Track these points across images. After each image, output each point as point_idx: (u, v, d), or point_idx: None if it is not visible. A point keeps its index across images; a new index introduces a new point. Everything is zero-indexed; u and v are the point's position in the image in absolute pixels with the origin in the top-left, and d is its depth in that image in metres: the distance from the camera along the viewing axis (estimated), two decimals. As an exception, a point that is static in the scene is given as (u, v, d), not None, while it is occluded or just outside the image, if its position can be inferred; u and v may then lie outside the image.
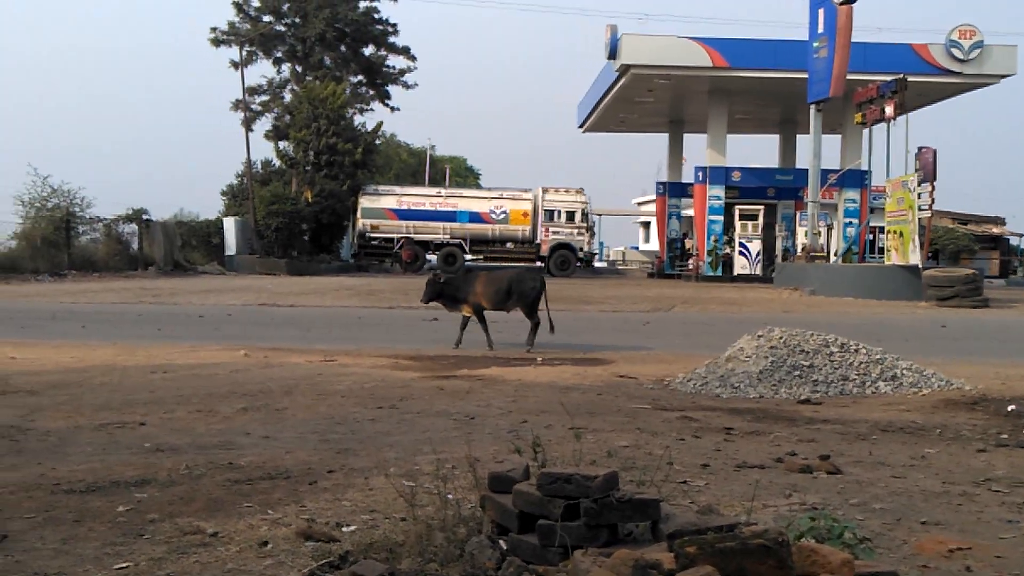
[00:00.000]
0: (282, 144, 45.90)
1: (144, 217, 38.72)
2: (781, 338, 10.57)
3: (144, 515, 4.84)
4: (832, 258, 33.66)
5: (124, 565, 4.07)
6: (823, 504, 5.07)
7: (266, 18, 49.58)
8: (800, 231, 38.69)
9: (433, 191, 44.76)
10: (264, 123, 49.67)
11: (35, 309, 19.46)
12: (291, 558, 4.15)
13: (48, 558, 4.17)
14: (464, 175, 77.15)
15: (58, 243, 35.29)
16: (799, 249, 35.92)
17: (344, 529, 4.59)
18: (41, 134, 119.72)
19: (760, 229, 38.16)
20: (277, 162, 46.41)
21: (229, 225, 40.93)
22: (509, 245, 42.17)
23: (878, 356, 10.43)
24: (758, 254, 37.93)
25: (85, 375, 10.19)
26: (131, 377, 10.12)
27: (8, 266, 32.42)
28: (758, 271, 37.47)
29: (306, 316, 16.42)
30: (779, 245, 39.52)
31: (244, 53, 46.59)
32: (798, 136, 42.58)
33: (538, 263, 41.82)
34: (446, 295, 14.07)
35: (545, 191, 42.07)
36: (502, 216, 41.77)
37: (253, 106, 49.24)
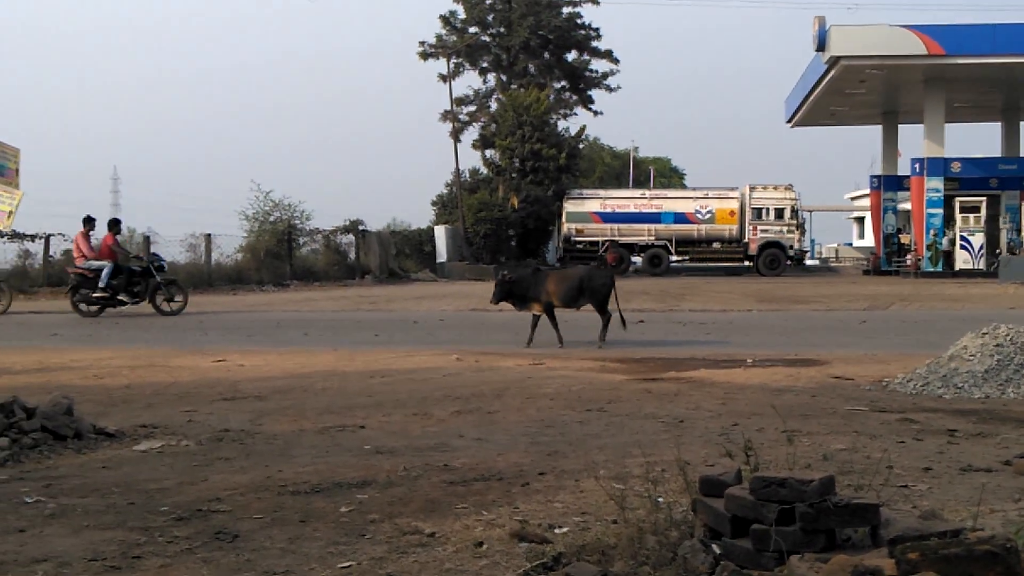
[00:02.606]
0: (488, 152, 46.84)
1: (360, 228, 40.13)
2: (1008, 335, 10.03)
3: (365, 515, 5.01)
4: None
5: (347, 564, 4.23)
6: (1056, 510, 4.79)
7: (472, 29, 50.67)
8: (1026, 222, 36.66)
9: (637, 193, 44.66)
10: (471, 132, 50.87)
11: (261, 318, 20.45)
12: (506, 559, 4.23)
13: (276, 557, 4.38)
14: (668, 176, 76.64)
15: (280, 255, 36.96)
16: (1025, 241, 34.00)
17: (556, 531, 4.64)
18: (261, 152, 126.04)
19: (983, 222, 36.32)
20: (484, 170, 47.33)
21: (440, 233, 41.99)
22: (716, 245, 41.63)
23: (1117, 352, 9.76)
24: (981, 248, 36.11)
25: (308, 380, 10.64)
26: (351, 382, 10.50)
27: (235, 278, 34.21)
28: (981, 266, 35.67)
29: (514, 320, 16.66)
30: (1003, 238, 37.47)
31: (451, 65, 47.72)
32: (1022, 123, 40.33)
33: (746, 263, 41.08)
34: (515, 295, 14.24)
35: (752, 189, 41.32)
36: (708, 216, 41.26)
37: (461, 116, 50.44)
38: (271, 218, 38.02)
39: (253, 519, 4.98)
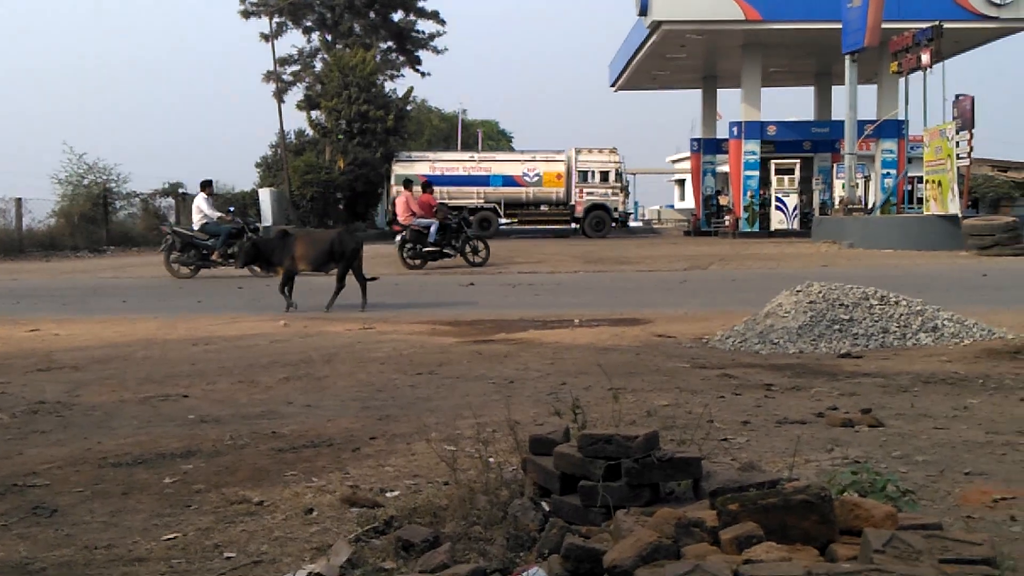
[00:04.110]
0: (314, 114, 45.97)
1: (180, 191, 38.97)
2: (820, 292, 10.50)
3: (190, 486, 4.90)
4: (870, 210, 33.34)
5: (172, 536, 4.13)
6: (865, 458, 5.05)
7: (294, -13, 49.53)
8: (837, 184, 38.30)
9: (466, 156, 44.65)
10: (296, 93, 49.83)
11: (76, 285, 19.68)
12: (336, 524, 4.20)
13: (97, 531, 4.23)
14: (497, 139, 76.96)
15: (96, 219, 35.63)
16: (837, 202, 35.57)
17: (388, 495, 4.63)
18: (74, 112, 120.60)
19: (797, 183, 37.80)
20: (310, 132, 46.48)
21: (264, 196, 41.08)
22: (543, 208, 42.04)
23: (919, 307, 10.33)
24: (795, 208, 37.59)
25: (128, 349, 10.31)
26: (173, 350, 10.23)
27: (48, 243, 32.82)
28: (796, 225, 37.16)
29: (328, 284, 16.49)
30: (816, 198, 39.13)
31: (274, 24, 46.61)
32: (834, 88, 42.10)
33: (573, 225, 41.67)
34: (262, 258, 14.24)
35: (578, 152, 41.85)
36: (536, 179, 41.62)
37: (284, 76, 49.35)
38: (85, 181, 36.51)
39: (72, 493, 4.81)
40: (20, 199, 33.33)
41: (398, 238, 22.72)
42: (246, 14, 48.41)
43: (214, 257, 19.91)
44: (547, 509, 3.84)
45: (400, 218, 22.46)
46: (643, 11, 35.22)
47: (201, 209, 20.39)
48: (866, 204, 34.99)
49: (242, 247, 14.52)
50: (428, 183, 23.95)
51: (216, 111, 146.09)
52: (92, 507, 4.58)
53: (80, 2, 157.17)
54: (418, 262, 22.16)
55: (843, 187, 34.24)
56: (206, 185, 21.42)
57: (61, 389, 7.90)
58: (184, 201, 38.39)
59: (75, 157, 36.48)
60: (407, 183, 23.67)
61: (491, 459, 4.61)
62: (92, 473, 5.19)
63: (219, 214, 20.43)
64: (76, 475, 5.15)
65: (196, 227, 20.35)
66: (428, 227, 21.94)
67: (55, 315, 13.81)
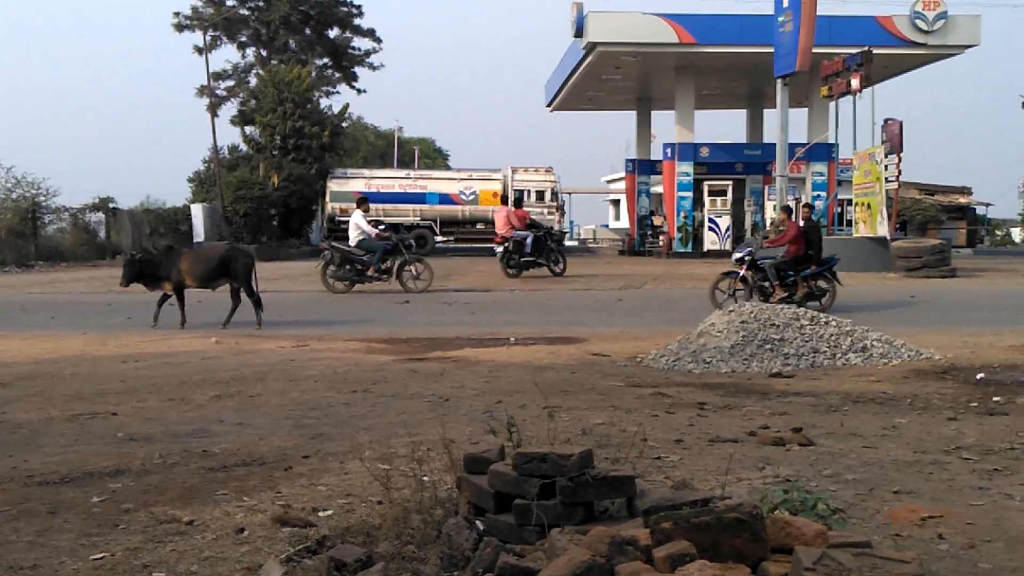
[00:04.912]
0: (248, 129, 45.58)
1: (111, 205, 38.38)
2: (752, 312, 10.64)
3: (119, 505, 4.82)
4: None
5: (100, 556, 4.06)
6: (796, 476, 5.11)
7: (229, 2, 49.15)
8: (769, 205, 38.78)
9: (402, 173, 44.56)
10: (230, 108, 49.40)
11: (3, 301, 19.27)
12: (268, 544, 4.16)
13: (23, 551, 4.15)
14: (433, 157, 76.89)
15: (24, 233, 34.95)
16: (768, 224, 36.01)
17: (320, 514, 4.59)
18: (2, 125, 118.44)
19: (729, 204, 38.22)
20: (244, 147, 46.07)
21: (197, 212, 40.59)
22: (480, 226, 42.06)
23: (848, 328, 10.51)
24: (728, 229, 37.98)
25: (56, 366, 10.12)
26: (102, 367, 10.06)
27: (-27, 258, 32.12)
28: (728, 246, 37.54)
29: (277, 302, 16.33)
30: (748, 220, 39.60)
31: (208, 38, 46.17)
32: (765, 111, 42.62)
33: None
34: (147, 274, 14.13)
35: (514, 171, 41.96)
36: (472, 197, 41.65)
37: (218, 91, 48.91)
38: (13, 195, 35.80)
39: (-4, 513, 4.70)
40: (-56, 212, 32.61)
41: (499, 249, 24.40)
42: (180, 27, 47.97)
43: (370, 273, 19.88)
44: (481, 528, 3.83)
45: (501, 231, 24.43)
46: (579, 33, 35.42)
47: (358, 226, 20.32)
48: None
49: (127, 263, 14.22)
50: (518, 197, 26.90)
51: (148, 125, 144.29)
52: (18, 526, 4.49)
53: (8, 9, 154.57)
54: (516, 271, 24.09)
55: (775, 209, 34.67)
56: (362, 202, 21.68)
57: (-15, 406, 7.73)
58: (115, 216, 37.82)
59: (3, 170, 35.80)
60: (505, 199, 26.91)
61: (425, 478, 4.60)
62: (18, 492, 5.09)
63: (376, 231, 20.25)
64: (1, 494, 5.05)
65: (353, 243, 20.24)
66: (526, 239, 23.96)
67: (-21, 331, 13.51)
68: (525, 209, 25.75)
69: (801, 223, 16.47)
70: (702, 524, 3.09)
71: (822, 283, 16.24)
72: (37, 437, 6.56)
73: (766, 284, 16.06)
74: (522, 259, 24.16)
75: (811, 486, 4.74)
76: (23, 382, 9.03)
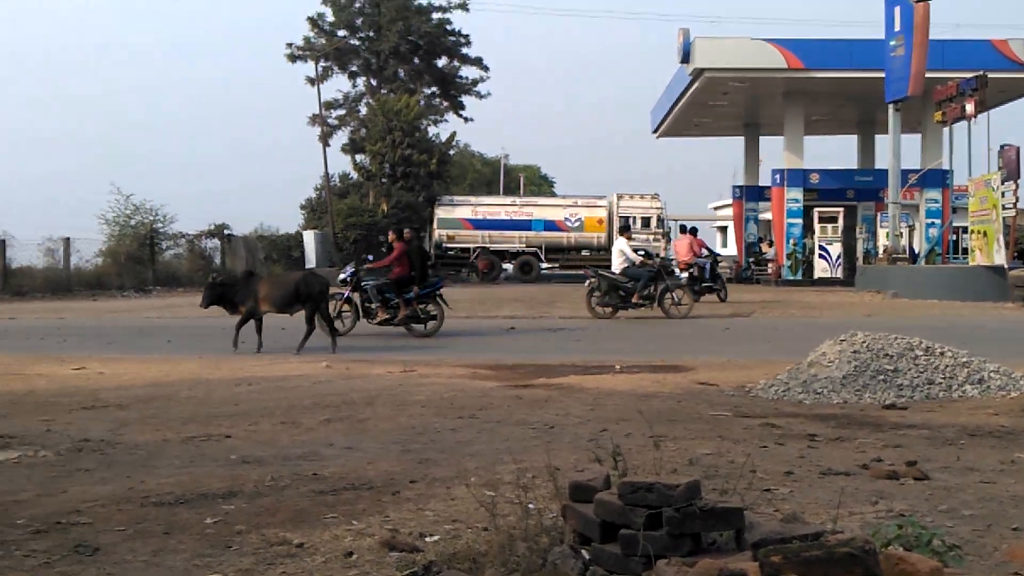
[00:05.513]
0: (359, 157, 46.44)
1: (226, 232, 39.39)
2: (864, 342, 10.41)
3: (231, 527, 4.92)
4: (915, 260, 33.01)
5: (213, 576, 4.15)
6: (910, 511, 4.98)
7: (341, 33, 50.25)
8: (881, 233, 37.99)
9: (508, 200, 44.88)
10: (341, 137, 50.40)
11: (122, 325, 19.89)
12: (376, 568, 4.20)
13: (139, 570, 4.26)
14: (539, 184, 77.30)
15: (142, 259, 36.02)
16: (880, 251, 35.26)
17: (427, 539, 4.63)
18: (123, 153, 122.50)
19: (840, 231, 37.53)
20: (354, 175, 46.93)
21: (309, 238, 41.43)
22: (584, 252, 42.08)
23: (964, 359, 10.21)
24: (839, 257, 37.29)
25: (172, 389, 10.39)
26: (216, 390, 10.30)
27: (95, 283, 33.21)
28: (839, 274, 36.85)
29: (384, 327, 16.55)
30: (860, 247, 38.83)
31: (320, 68, 47.23)
32: (877, 136, 41.82)
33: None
34: (226, 299, 14.35)
35: (620, 197, 41.91)
36: (577, 224, 41.69)
37: (330, 120, 49.95)
38: (132, 222, 36.98)
39: (115, 531, 4.85)
40: (68, 239, 33.83)
41: (685, 275, 24.50)
42: (292, 58, 49.21)
43: (634, 299, 20.21)
44: (587, 557, 3.81)
45: (684, 258, 25.35)
46: (685, 59, 35.29)
47: (623, 252, 20.85)
48: (911, 254, 34.62)
49: (208, 286, 14.71)
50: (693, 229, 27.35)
51: (263, 154, 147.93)
52: (134, 546, 4.61)
53: (131, 45, 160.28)
54: (698, 296, 23.67)
55: (887, 236, 33.95)
56: (625, 230, 22.36)
57: (105, 428, 7.98)
58: (230, 242, 38.75)
59: (122, 198, 37.00)
60: (684, 228, 27.59)
61: (531, 505, 4.60)
62: (134, 512, 5.23)
63: (640, 258, 20.75)
64: (119, 514, 5.19)
65: (617, 270, 20.74)
66: (705, 265, 25.07)
67: (101, 354, 13.96)
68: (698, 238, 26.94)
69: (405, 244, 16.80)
70: (813, 559, 3.03)
71: (431, 307, 16.62)
72: (153, 458, 6.74)
73: (372, 306, 16.45)
74: (703, 285, 24.79)
75: (926, 521, 4.61)
76: (140, 404, 9.30)
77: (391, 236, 17.43)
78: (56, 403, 9.34)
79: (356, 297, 16.67)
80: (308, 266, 40.68)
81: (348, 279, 16.74)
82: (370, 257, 20.13)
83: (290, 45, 49.34)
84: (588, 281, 21.04)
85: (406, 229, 18.23)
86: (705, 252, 26.22)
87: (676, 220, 56.99)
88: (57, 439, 7.44)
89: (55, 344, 15.61)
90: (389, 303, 16.32)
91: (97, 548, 4.56)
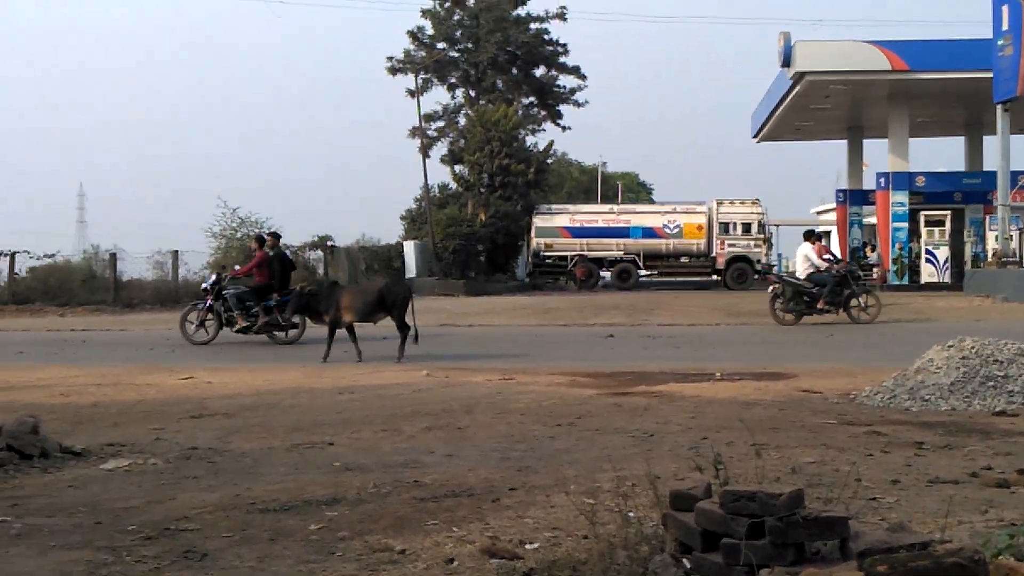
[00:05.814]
0: (457, 168, 46.81)
1: (329, 243, 39.98)
2: (973, 348, 10.13)
3: (335, 533, 5.00)
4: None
5: (318, 582, 4.22)
6: (1022, 520, 4.83)
7: (440, 45, 50.72)
8: (990, 236, 36.93)
9: (606, 208, 44.78)
10: (440, 148, 50.79)
11: (228, 336, 20.33)
12: (476, 575, 4.22)
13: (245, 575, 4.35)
14: (636, 191, 76.89)
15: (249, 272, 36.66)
16: (990, 255, 34.28)
17: (527, 546, 4.64)
18: (229, 169, 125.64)
19: (947, 235, 36.61)
20: (453, 185, 47.32)
21: (409, 248, 41.86)
22: (684, 259, 41.72)
23: (1079, 365, 9.87)
24: (946, 261, 36.37)
25: (276, 397, 10.60)
26: (319, 399, 10.47)
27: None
28: (946, 279, 35.94)
29: (485, 335, 16.69)
30: (968, 251, 37.81)
31: (420, 80, 47.73)
32: (985, 137, 40.69)
33: (714, 277, 41.23)
34: (311, 308, 14.53)
35: (719, 203, 41.50)
36: (676, 230, 41.39)
37: (429, 132, 50.42)
38: (238, 235, 37.76)
39: (222, 538, 4.96)
40: (177, 251, 34.66)
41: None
42: (393, 71, 49.80)
43: (819, 305, 20.31)
44: (688, 566, 3.78)
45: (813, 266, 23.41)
46: (786, 63, 34.80)
47: (808, 258, 21.01)
48: (1021, 257, 33.59)
49: (295, 295, 15.04)
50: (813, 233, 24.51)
51: (364, 165, 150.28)
52: (240, 552, 4.71)
53: (235, 61, 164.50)
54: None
55: (996, 239, 32.99)
56: (810, 235, 22.07)
57: (212, 436, 8.17)
58: (332, 253, 39.37)
59: (229, 211, 37.83)
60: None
61: (631, 514, 4.57)
62: (241, 518, 5.34)
63: (825, 264, 20.94)
64: (226, 520, 5.30)
65: (802, 276, 20.88)
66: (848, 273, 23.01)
67: (208, 364, 14.30)
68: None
69: (269, 252, 17.22)
70: (920, 568, 2.97)
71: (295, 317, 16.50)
72: (259, 466, 6.88)
73: (231, 313, 16.70)
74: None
75: (1040, 532, 4.47)
76: (246, 413, 9.50)
77: (252, 244, 17.66)
78: (165, 412, 9.59)
79: (219, 305, 17.00)
80: (408, 276, 41.14)
81: (209, 287, 17.09)
82: (236, 267, 20.33)
83: (391, 59, 49.97)
84: (771, 288, 20.88)
85: (268, 237, 18.46)
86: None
87: (777, 225, 56.34)
88: (166, 447, 7.64)
89: (163, 355, 16.04)
90: (250, 311, 16.57)
91: (205, 554, 4.67)
